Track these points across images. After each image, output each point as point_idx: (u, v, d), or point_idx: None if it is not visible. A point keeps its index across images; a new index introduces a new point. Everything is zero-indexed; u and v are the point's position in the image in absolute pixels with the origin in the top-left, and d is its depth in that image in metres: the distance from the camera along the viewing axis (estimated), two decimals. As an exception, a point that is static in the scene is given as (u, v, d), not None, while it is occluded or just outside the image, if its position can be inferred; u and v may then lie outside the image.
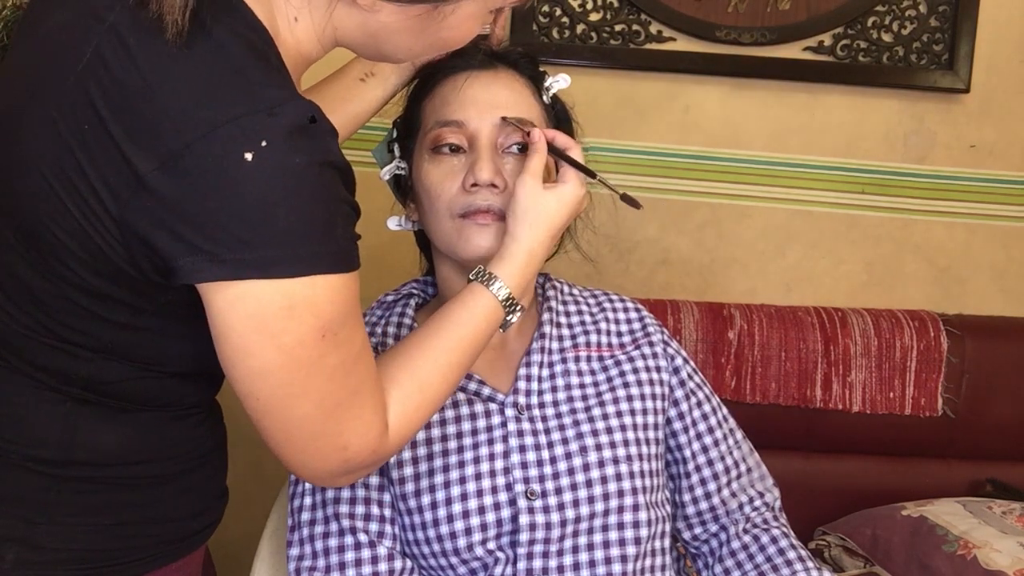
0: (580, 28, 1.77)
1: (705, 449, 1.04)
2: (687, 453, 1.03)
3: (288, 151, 0.66)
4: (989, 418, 1.62)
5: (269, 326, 0.68)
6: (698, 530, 1.05)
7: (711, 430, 1.05)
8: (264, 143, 0.65)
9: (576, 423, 0.95)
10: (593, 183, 0.95)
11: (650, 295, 1.75)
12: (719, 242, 1.84)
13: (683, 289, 1.84)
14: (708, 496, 1.04)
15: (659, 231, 1.82)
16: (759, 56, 1.77)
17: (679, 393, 1.04)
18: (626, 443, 0.95)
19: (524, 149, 0.96)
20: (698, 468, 1.03)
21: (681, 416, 1.03)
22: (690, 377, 1.05)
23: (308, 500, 0.92)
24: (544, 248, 0.90)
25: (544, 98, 1.02)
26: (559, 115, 1.04)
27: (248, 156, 0.64)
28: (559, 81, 1.03)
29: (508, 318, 0.87)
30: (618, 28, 1.77)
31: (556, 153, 0.93)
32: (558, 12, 1.75)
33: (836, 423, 1.61)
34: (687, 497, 1.04)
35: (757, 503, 1.05)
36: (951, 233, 1.84)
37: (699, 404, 1.05)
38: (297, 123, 0.67)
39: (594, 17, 1.78)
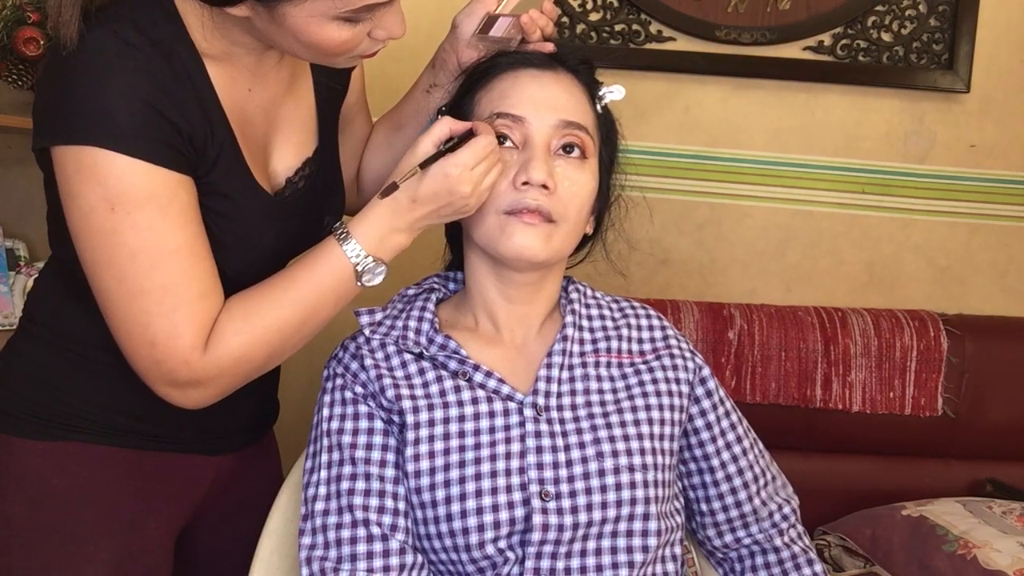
0: (580, 28, 1.77)
1: (735, 458, 1.04)
2: (715, 462, 1.03)
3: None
4: (989, 418, 1.62)
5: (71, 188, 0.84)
6: (728, 538, 1.06)
7: (739, 439, 1.05)
8: None
9: (594, 428, 0.95)
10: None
11: (650, 295, 1.75)
12: (719, 242, 1.84)
13: (683, 289, 1.84)
14: (739, 504, 1.04)
15: (659, 231, 1.82)
16: (759, 56, 1.77)
17: (706, 403, 1.03)
18: (642, 452, 0.95)
19: (574, 150, 0.96)
20: (728, 477, 1.03)
21: (709, 426, 1.03)
22: (717, 388, 1.06)
23: (323, 490, 0.92)
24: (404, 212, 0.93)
25: (597, 107, 1.02)
26: (607, 126, 1.04)
27: None
28: (613, 92, 1.02)
29: (364, 280, 0.93)
30: (618, 28, 1.77)
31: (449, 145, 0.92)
32: (558, 12, 1.75)
33: (836, 423, 1.62)
34: (717, 505, 1.05)
35: (786, 510, 1.06)
36: (951, 233, 1.84)
37: (727, 414, 1.05)
38: None
39: (594, 17, 1.78)
